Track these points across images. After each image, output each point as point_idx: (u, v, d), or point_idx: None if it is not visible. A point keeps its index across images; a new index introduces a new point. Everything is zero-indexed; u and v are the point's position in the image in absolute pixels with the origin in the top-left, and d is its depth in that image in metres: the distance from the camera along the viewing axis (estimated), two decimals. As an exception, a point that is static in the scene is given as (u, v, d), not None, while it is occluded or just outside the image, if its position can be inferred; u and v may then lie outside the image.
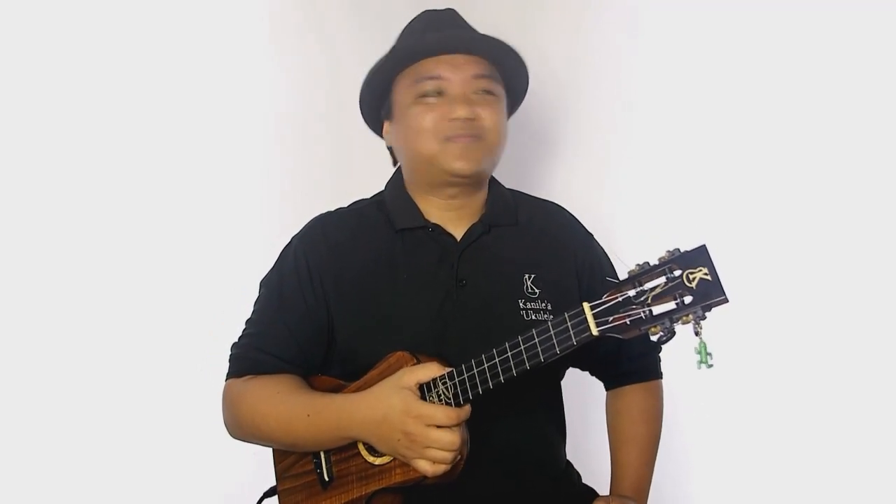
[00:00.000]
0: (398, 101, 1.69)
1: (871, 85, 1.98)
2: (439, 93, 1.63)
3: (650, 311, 1.23)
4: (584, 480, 1.76)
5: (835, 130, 2.02)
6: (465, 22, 1.73)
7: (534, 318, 1.62)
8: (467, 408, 1.40)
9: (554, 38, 2.50)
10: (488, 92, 1.64)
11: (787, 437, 2.09)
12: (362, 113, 1.78)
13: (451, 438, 1.37)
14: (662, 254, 1.25)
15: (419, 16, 1.75)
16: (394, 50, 1.69)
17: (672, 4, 2.32)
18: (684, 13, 2.29)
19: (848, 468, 2.00)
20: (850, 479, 2.00)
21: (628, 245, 1.69)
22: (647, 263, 1.26)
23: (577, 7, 2.51)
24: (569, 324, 1.32)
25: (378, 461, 1.51)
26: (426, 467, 1.39)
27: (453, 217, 1.69)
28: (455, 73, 1.63)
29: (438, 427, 1.38)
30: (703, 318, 1.20)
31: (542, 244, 1.72)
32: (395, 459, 1.49)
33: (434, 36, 1.67)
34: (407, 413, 1.39)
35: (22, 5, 2.03)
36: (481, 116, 1.61)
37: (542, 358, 1.35)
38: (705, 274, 1.20)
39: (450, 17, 1.73)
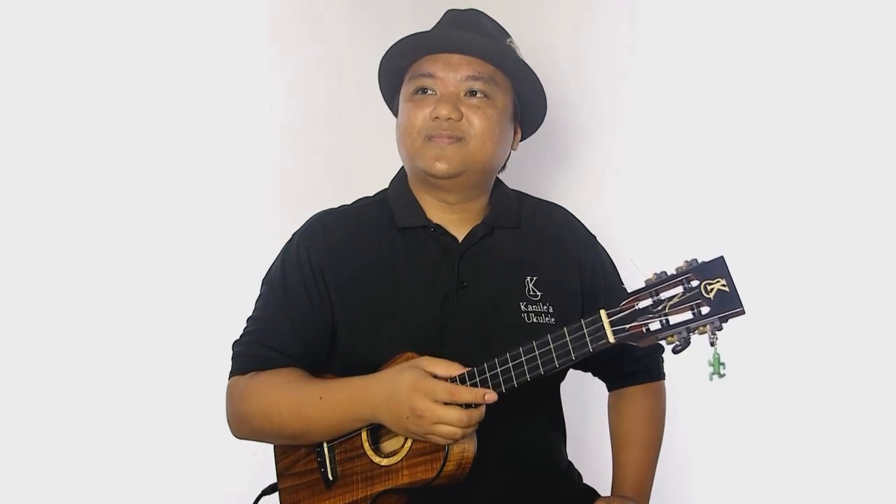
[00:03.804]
0: (401, 96, 1.70)
1: (878, 85, 2.01)
2: (433, 91, 1.64)
3: (667, 320, 1.25)
4: (585, 481, 1.77)
5: (843, 132, 2.05)
6: (487, 24, 1.71)
7: (535, 320, 1.64)
8: (482, 409, 1.41)
9: (554, 37, 2.53)
10: (483, 95, 1.63)
11: (790, 440, 2.13)
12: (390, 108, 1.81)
13: (458, 415, 1.37)
14: (679, 263, 1.26)
15: (444, 14, 1.75)
16: (393, 46, 1.69)
17: (672, 4, 2.35)
18: (685, 12, 2.32)
19: (849, 473, 2.04)
20: (850, 483, 2.03)
21: (632, 247, 1.72)
22: (665, 273, 1.27)
23: (576, 6, 2.53)
24: (585, 330, 1.33)
25: (384, 462, 1.52)
26: (438, 439, 1.41)
27: (455, 219, 1.70)
28: (448, 72, 1.63)
29: (446, 404, 1.39)
30: (720, 328, 1.22)
31: (544, 246, 1.72)
32: (402, 460, 1.49)
33: (433, 33, 1.68)
34: (414, 387, 1.40)
35: (22, 5, 2.01)
36: (468, 118, 1.61)
37: (556, 363, 1.36)
38: (723, 285, 1.22)
39: (467, 18, 1.72)
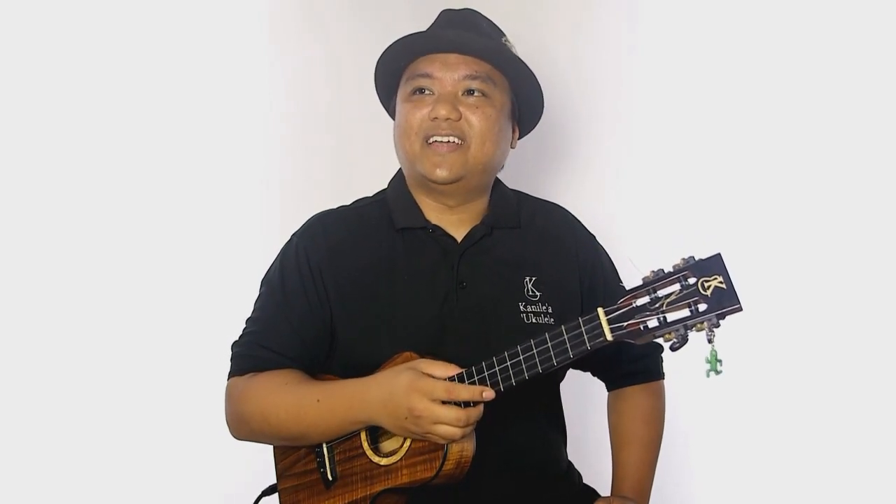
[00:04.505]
0: (398, 97, 1.70)
1: (877, 85, 2.01)
2: (430, 92, 1.64)
3: (664, 317, 1.25)
4: (585, 481, 1.77)
5: (842, 132, 2.05)
6: (483, 23, 1.71)
7: (534, 321, 1.63)
8: (480, 408, 1.41)
9: (554, 37, 2.53)
10: (481, 94, 1.63)
11: (789, 437, 2.13)
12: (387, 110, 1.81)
13: (456, 414, 1.37)
14: (676, 261, 1.26)
15: (439, 14, 1.75)
16: (390, 47, 1.69)
17: (672, 4, 2.36)
18: (685, 12, 2.32)
19: (848, 471, 2.03)
20: (849, 481, 2.03)
21: (631, 247, 1.71)
22: (662, 270, 1.27)
23: (576, 6, 2.53)
24: (583, 328, 1.33)
25: (384, 461, 1.52)
26: (437, 439, 1.41)
27: (454, 220, 1.70)
28: (446, 72, 1.63)
29: (444, 403, 1.39)
30: (717, 325, 1.22)
31: (543, 246, 1.72)
32: (401, 460, 1.49)
33: (429, 33, 1.68)
34: (411, 387, 1.39)
35: (22, 5, 2.02)
36: (467, 118, 1.61)
37: (554, 362, 1.36)
38: (720, 282, 1.21)
39: (463, 18, 1.71)
